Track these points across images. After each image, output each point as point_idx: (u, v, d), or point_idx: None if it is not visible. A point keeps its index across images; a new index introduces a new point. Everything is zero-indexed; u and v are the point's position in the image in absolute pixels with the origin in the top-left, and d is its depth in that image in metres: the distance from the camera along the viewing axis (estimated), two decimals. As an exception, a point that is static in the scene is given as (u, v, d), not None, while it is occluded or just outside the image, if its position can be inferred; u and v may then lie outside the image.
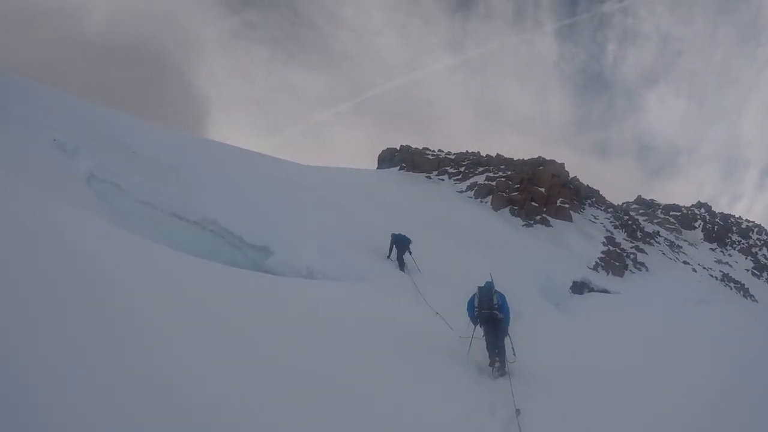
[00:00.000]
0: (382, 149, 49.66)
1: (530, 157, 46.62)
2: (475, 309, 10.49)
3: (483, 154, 48.23)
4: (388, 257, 20.07)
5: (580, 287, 26.81)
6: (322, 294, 13.64)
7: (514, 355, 10.23)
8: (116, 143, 20.45)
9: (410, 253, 19.86)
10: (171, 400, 4.67)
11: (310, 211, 22.79)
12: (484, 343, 10.23)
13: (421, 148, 48.26)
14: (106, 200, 16.27)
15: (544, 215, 37.93)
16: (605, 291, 26.88)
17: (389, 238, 20.20)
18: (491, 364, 9.77)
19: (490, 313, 10.24)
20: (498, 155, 47.49)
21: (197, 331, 6.49)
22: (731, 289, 39.61)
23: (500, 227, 34.30)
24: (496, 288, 10.74)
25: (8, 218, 7.51)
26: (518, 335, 10.86)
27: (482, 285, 10.79)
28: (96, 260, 7.58)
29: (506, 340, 10.25)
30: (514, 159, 46.95)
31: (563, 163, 45.25)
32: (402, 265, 19.61)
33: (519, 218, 37.27)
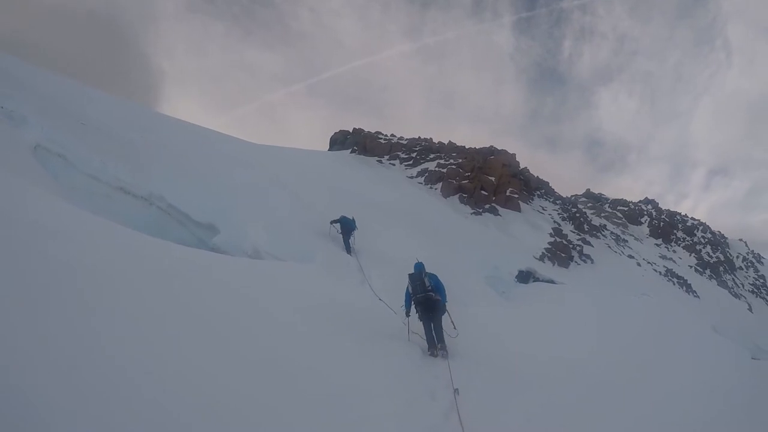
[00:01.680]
0: (335, 131, 49.23)
1: (482, 147, 46.52)
2: (411, 296, 10.45)
3: (435, 141, 48.13)
4: (330, 224, 20.23)
5: (525, 276, 26.76)
6: (264, 273, 13.46)
7: (455, 328, 10.15)
8: (66, 113, 19.98)
9: (353, 236, 19.91)
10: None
11: (259, 191, 22.46)
12: (423, 327, 10.19)
13: (373, 132, 47.82)
14: (52, 172, 16.08)
15: (492, 204, 37.89)
16: (551, 281, 26.88)
17: (336, 218, 20.23)
18: (430, 351, 9.68)
19: (425, 295, 10.16)
20: (450, 143, 47.34)
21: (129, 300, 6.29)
22: (674, 284, 40.31)
23: (449, 214, 34.14)
24: (426, 270, 10.76)
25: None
26: (461, 320, 10.69)
27: (412, 272, 10.79)
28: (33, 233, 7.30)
29: (445, 318, 10.20)
30: (466, 147, 46.74)
31: (514, 154, 45.50)
32: (348, 248, 19.56)
33: (468, 206, 37.15)
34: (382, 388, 7.17)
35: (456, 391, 7.53)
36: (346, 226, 19.81)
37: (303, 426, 5.37)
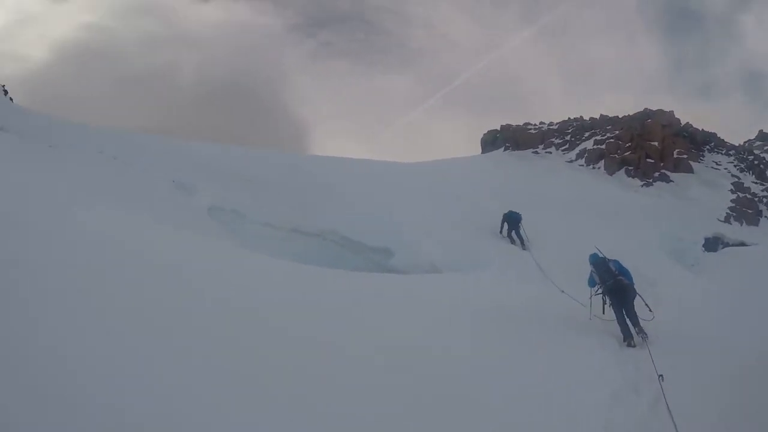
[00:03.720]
0: (483, 133, 48.90)
1: (636, 112, 44.53)
2: (598, 285, 10.72)
3: (586, 118, 46.58)
4: (500, 233, 21.08)
5: (713, 243, 25.53)
6: (447, 285, 14.21)
7: (651, 311, 10.04)
8: (230, 174, 22.08)
9: (522, 228, 20.68)
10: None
11: (423, 208, 23.35)
12: (615, 316, 10.19)
13: (522, 124, 47.37)
14: (230, 227, 17.71)
15: (662, 171, 36.36)
16: (742, 244, 25.39)
17: (501, 215, 21.17)
18: (626, 341, 9.63)
19: (614, 281, 10.27)
20: (602, 116, 45.78)
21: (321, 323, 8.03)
22: None
23: (617, 191, 33.47)
24: (606, 257, 10.94)
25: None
26: (650, 302, 10.56)
27: (594, 261, 11.05)
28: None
29: (637, 302, 10.25)
30: (620, 117, 44.98)
31: (671, 111, 42.88)
32: (515, 240, 20.51)
33: (636, 179, 36.02)
34: (583, 383, 7.37)
35: (660, 377, 7.42)
36: (513, 220, 20.29)
37: (512, 420, 5.96)
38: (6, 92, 34.85)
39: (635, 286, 10.36)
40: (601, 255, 11.06)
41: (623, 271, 10.46)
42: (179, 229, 13.49)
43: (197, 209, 17.60)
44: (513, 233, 20.53)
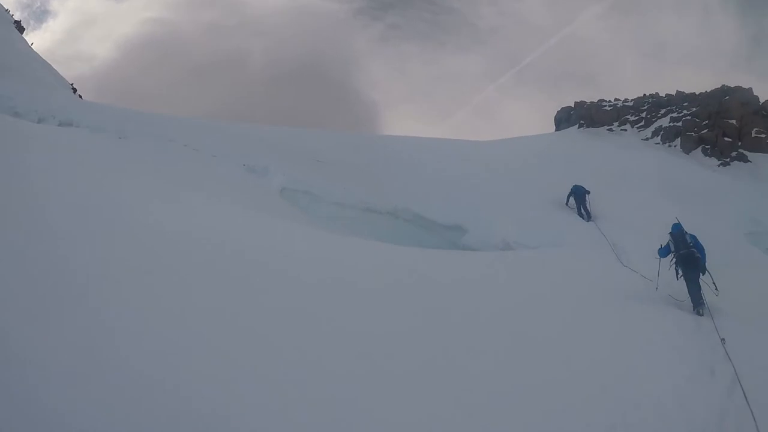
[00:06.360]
0: (556, 111, 48.65)
1: (713, 89, 43.26)
2: (672, 253, 11.09)
3: (662, 94, 45.74)
4: (566, 204, 21.69)
5: (793, 228, 24.80)
6: (517, 262, 14.66)
7: (716, 290, 10.46)
8: (302, 156, 22.77)
9: (588, 202, 21.10)
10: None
11: (495, 184, 23.70)
12: (686, 288, 10.67)
13: (596, 101, 47.15)
14: (302, 207, 18.52)
15: (739, 150, 35.95)
16: (823, 229, 24.67)
17: (569, 190, 21.71)
18: (696, 309, 10.16)
19: (687, 252, 10.75)
20: (678, 92, 44.96)
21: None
22: None
23: (694, 170, 33.27)
24: (685, 230, 11.34)
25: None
26: (722, 282, 10.85)
27: (674, 231, 11.40)
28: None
29: (705, 279, 10.64)
30: (696, 93, 44.04)
31: (750, 88, 41.56)
32: (584, 214, 20.92)
33: (713, 158, 35.75)
34: (660, 364, 7.44)
35: (723, 341, 8.04)
36: (578, 194, 21.03)
37: (581, 405, 6.04)
38: (75, 90, 37.46)
39: (706, 264, 10.72)
40: (679, 227, 11.49)
41: (697, 246, 10.89)
42: (256, 212, 14.03)
43: (269, 191, 18.29)
44: (580, 207, 21.06)
